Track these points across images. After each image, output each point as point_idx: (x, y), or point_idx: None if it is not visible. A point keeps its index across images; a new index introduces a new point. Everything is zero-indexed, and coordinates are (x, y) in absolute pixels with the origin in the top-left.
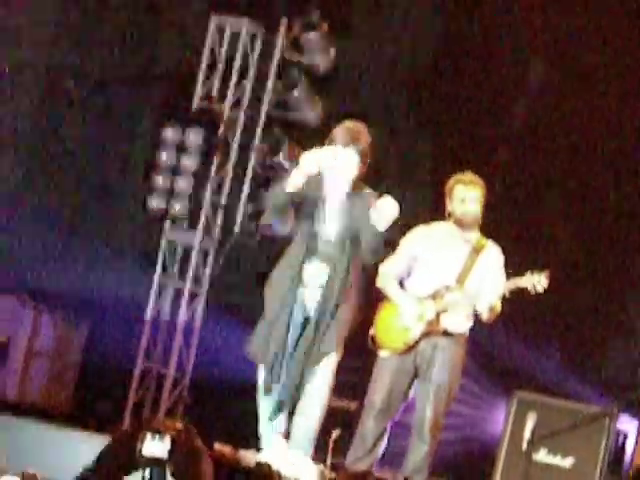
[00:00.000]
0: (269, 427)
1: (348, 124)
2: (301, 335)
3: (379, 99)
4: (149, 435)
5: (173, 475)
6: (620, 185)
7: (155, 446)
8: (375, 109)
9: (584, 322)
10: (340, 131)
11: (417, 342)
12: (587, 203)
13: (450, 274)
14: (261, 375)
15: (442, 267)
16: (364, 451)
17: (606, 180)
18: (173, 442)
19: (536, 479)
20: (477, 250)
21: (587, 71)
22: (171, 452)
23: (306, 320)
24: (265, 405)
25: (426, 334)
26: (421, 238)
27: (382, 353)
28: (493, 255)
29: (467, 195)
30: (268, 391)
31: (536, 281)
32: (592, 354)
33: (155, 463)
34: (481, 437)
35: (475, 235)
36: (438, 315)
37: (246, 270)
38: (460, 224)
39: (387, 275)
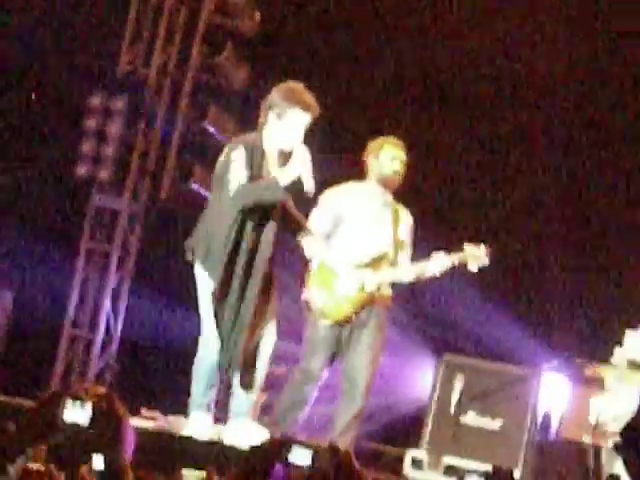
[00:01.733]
0: (206, 395)
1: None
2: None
3: (304, 63)
4: (70, 401)
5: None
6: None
7: (76, 412)
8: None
9: (513, 283)
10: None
11: (357, 314)
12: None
13: (382, 240)
14: (208, 345)
15: (373, 232)
16: (295, 417)
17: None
18: (94, 408)
19: (464, 441)
20: (396, 213)
21: None
22: (92, 419)
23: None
24: (208, 372)
25: (365, 304)
26: (344, 197)
27: (321, 322)
28: (409, 219)
29: (397, 154)
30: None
31: (476, 255)
32: (521, 315)
33: (76, 429)
34: (409, 400)
35: (390, 197)
36: (379, 286)
37: (173, 235)
38: (385, 183)
39: (316, 237)
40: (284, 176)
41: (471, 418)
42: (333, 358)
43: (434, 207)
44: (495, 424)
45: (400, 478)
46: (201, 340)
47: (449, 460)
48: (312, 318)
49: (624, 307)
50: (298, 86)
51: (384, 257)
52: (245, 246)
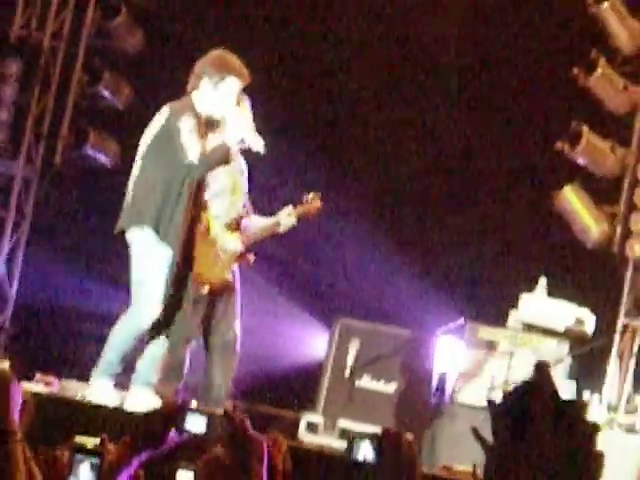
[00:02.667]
0: (117, 364)
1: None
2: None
3: (198, 27)
4: None
5: None
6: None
7: None
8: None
9: (407, 247)
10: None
11: (228, 275)
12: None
13: (239, 200)
14: (140, 314)
15: (232, 192)
16: (175, 380)
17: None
18: None
19: (359, 405)
20: (241, 169)
21: None
22: None
23: None
24: (129, 342)
25: (233, 264)
26: None
27: (203, 290)
28: (246, 171)
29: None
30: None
31: (310, 200)
32: (417, 279)
33: None
34: (304, 365)
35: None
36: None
37: (68, 199)
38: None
39: None
40: (230, 142)
41: (366, 382)
42: (208, 321)
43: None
44: (390, 387)
45: (295, 442)
46: (132, 309)
47: (344, 424)
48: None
49: (519, 270)
50: (230, 54)
51: (241, 217)
52: (197, 213)
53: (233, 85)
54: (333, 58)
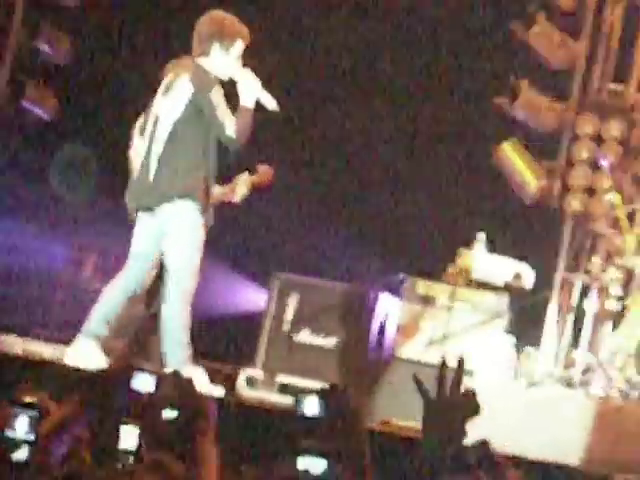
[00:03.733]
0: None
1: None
2: None
3: None
4: None
5: None
6: None
7: None
8: None
9: (346, 202)
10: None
11: None
12: None
13: None
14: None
15: None
16: (127, 334)
17: None
18: None
19: (299, 360)
20: None
21: None
22: None
23: None
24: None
25: None
26: None
27: None
28: None
29: None
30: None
31: (263, 171)
32: (355, 234)
33: None
34: (243, 319)
35: None
36: None
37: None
38: None
39: None
40: (250, 105)
41: (305, 336)
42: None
43: None
44: (329, 342)
45: (234, 396)
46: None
47: (283, 379)
48: None
49: (458, 225)
50: (231, 15)
51: None
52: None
53: (241, 47)
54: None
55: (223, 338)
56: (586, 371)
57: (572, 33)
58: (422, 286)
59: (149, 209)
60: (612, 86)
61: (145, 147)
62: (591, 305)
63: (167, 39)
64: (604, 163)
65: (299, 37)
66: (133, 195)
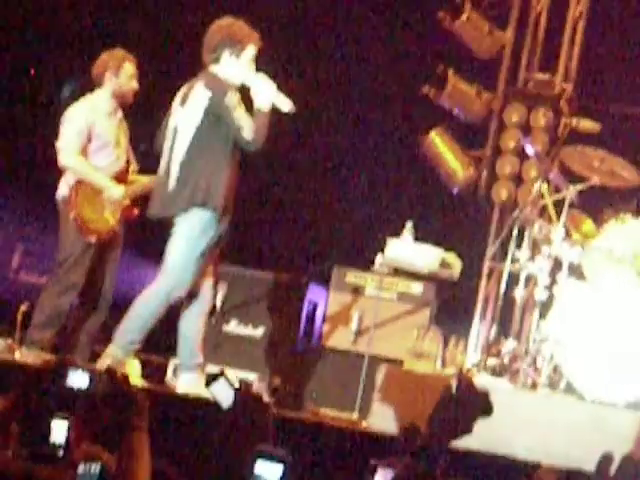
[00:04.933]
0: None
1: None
2: None
3: None
4: None
5: None
6: None
7: None
8: None
9: (272, 195)
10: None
11: (117, 227)
12: None
13: (122, 154)
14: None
15: (115, 146)
16: (56, 325)
17: None
18: None
19: (227, 350)
20: (124, 127)
21: None
22: None
23: None
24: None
25: (120, 217)
26: (90, 111)
27: (90, 239)
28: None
29: (134, 72)
30: None
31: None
32: (285, 225)
33: None
34: (171, 309)
35: (120, 112)
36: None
37: None
38: (124, 99)
39: (77, 153)
40: (265, 108)
41: (233, 326)
42: (92, 272)
43: None
44: (258, 332)
45: (163, 386)
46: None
47: (211, 369)
48: (76, 234)
49: (386, 215)
50: (241, 21)
51: (126, 170)
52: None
53: (252, 52)
54: None
55: (152, 328)
56: (514, 360)
57: (499, 22)
58: (350, 275)
59: (167, 220)
60: (539, 75)
61: (166, 158)
62: (519, 294)
63: None
64: (531, 152)
65: None
66: (152, 204)
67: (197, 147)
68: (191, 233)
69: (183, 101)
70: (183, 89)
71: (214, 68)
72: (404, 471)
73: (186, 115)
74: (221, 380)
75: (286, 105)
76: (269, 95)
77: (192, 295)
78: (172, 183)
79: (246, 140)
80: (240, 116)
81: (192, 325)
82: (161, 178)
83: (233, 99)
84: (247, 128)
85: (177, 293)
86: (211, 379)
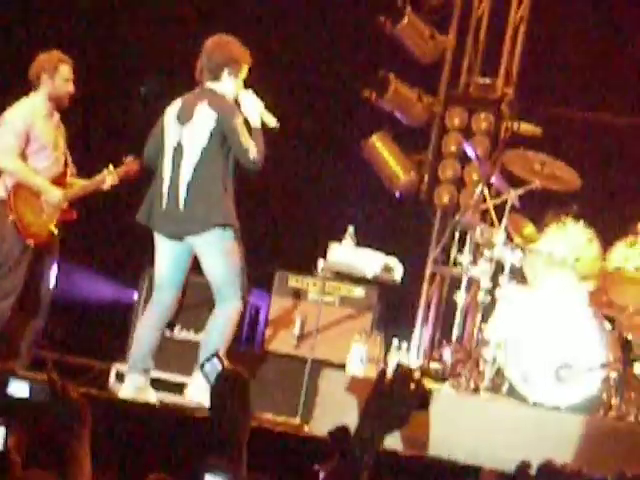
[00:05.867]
0: None
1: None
2: None
3: None
4: None
5: None
6: None
7: None
8: None
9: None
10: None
11: (55, 231)
12: None
13: (61, 158)
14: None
15: (53, 149)
16: None
17: None
18: None
19: (169, 355)
20: (62, 130)
21: None
22: None
23: None
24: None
25: (58, 221)
26: (28, 113)
27: (29, 242)
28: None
29: (71, 76)
30: None
31: (130, 162)
32: None
33: None
34: (114, 314)
35: (57, 115)
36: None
37: None
38: (60, 102)
39: (15, 155)
40: (256, 124)
41: (176, 332)
42: (30, 277)
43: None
44: (200, 337)
45: (106, 392)
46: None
47: (154, 373)
48: (15, 238)
49: (327, 220)
50: (235, 40)
51: (64, 173)
52: None
53: (246, 71)
54: None
55: (95, 334)
56: (456, 364)
57: (440, 27)
58: (293, 280)
59: (179, 237)
60: (480, 79)
61: (168, 175)
62: (461, 298)
63: None
64: (473, 156)
65: None
66: (160, 221)
67: (204, 167)
68: (224, 250)
69: (181, 118)
70: (176, 104)
71: (212, 85)
72: (331, 474)
73: (190, 134)
74: (213, 359)
75: (272, 121)
76: (258, 112)
77: (158, 302)
78: (181, 203)
79: (252, 160)
80: (247, 137)
81: (151, 332)
82: (162, 194)
83: (240, 120)
84: (253, 149)
85: (242, 307)
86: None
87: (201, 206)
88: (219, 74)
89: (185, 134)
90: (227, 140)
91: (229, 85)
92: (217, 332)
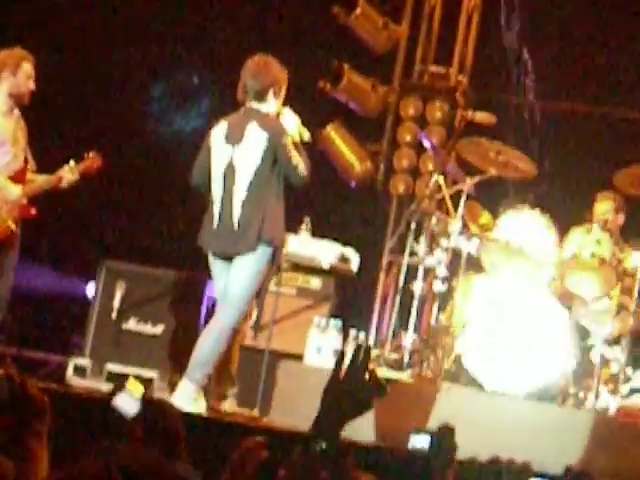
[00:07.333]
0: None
1: None
2: None
3: None
4: None
5: None
6: None
7: None
8: None
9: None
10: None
11: (15, 228)
12: None
13: (20, 154)
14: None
15: (12, 146)
16: None
17: None
18: None
19: (126, 347)
20: (21, 126)
21: None
22: None
23: None
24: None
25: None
26: None
27: None
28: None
29: (32, 73)
30: None
31: (91, 158)
32: (180, 222)
33: None
34: (71, 308)
35: (18, 112)
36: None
37: None
38: (21, 99)
39: None
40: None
41: (133, 324)
42: None
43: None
44: (157, 329)
45: (63, 386)
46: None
47: (112, 367)
48: None
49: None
50: (274, 59)
51: (24, 170)
52: None
53: (285, 90)
54: None
55: (52, 328)
56: (414, 353)
57: (393, 16)
58: None
59: (229, 257)
60: (434, 68)
61: (219, 196)
62: (417, 287)
63: None
64: (428, 145)
65: None
66: (213, 241)
67: (257, 186)
68: (257, 268)
69: (230, 139)
70: (222, 126)
71: (258, 106)
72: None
73: (242, 154)
74: (123, 393)
75: (307, 135)
76: (296, 127)
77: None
78: (235, 222)
79: (302, 176)
80: (295, 154)
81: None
82: (213, 215)
83: (289, 138)
84: (302, 166)
85: (240, 325)
86: (113, 392)
87: (255, 224)
88: (265, 96)
89: (237, 155)
90: (278, 158)
91: (273, 105)
92: (213, 337)
